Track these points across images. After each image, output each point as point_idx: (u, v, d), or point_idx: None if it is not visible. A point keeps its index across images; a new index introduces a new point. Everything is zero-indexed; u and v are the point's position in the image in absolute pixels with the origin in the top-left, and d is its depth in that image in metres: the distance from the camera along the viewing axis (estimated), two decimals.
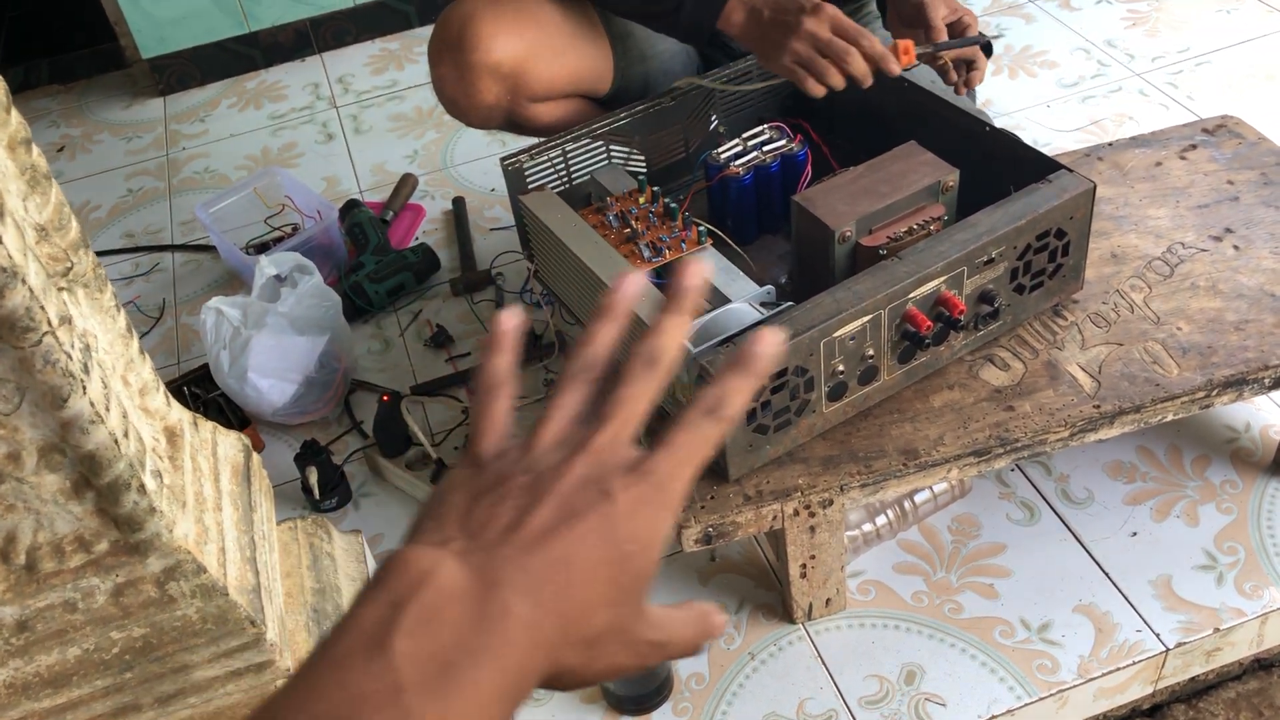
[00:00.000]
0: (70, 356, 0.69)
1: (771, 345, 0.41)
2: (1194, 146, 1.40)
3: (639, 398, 0.40)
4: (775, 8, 1.22)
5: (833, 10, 1.21)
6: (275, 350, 1.46)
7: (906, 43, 1.21)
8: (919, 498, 1.25)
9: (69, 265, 0.74)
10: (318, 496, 1.38)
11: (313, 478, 1.37)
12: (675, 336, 0.41)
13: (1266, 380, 1.12)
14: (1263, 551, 1.20)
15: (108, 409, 0.73)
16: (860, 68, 1.19)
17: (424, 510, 0.40)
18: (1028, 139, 1.75)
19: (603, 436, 0.39)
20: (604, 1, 1.38)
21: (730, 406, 0.40)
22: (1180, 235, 1.28)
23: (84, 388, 0.70)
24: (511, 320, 0.43)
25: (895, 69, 1.19)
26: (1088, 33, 2.10)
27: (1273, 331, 1.14)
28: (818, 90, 1.20)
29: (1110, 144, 1.43)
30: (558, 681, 0.38)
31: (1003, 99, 1.93)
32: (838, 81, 1.20)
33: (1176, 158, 1.39)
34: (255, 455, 0.99)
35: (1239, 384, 1.12)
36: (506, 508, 0.37)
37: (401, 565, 0.36)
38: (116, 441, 0.73)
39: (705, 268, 0.42)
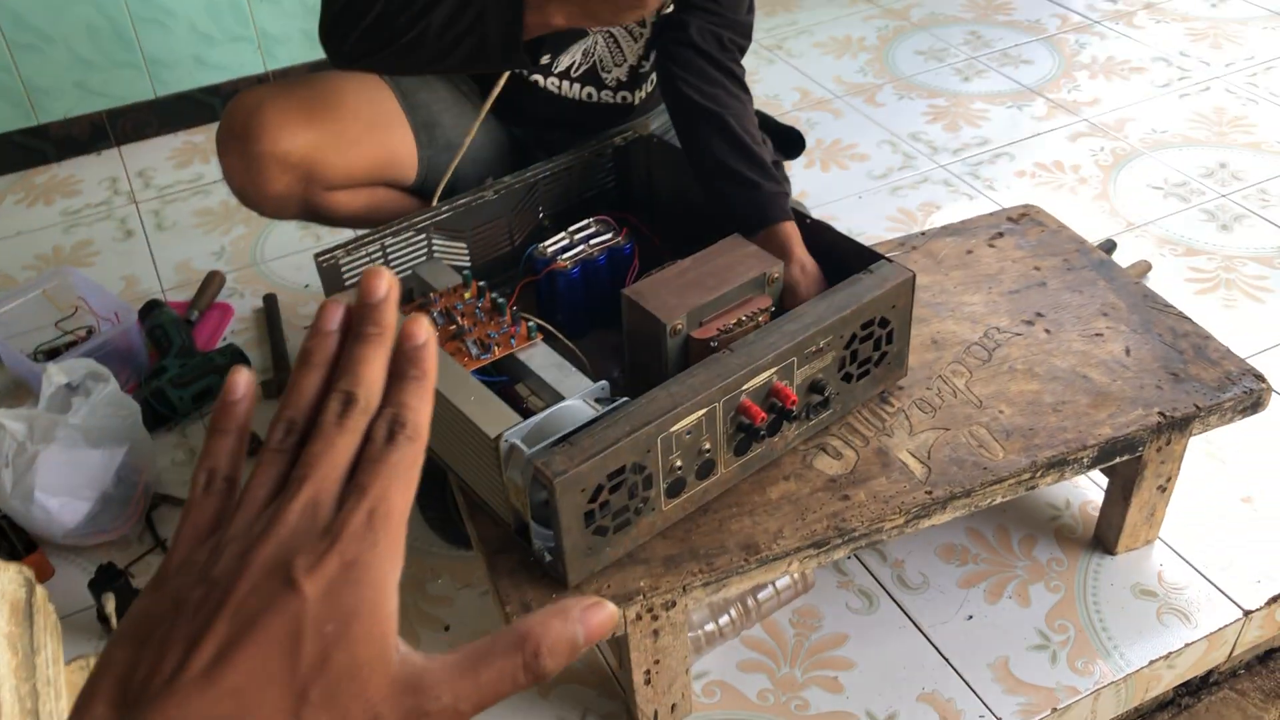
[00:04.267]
0: None
1: (424, 332, 0.37)
2: (1001, 235, 1.46)
3: (337, 450, 0.35)
4: None
5: None
6: (66, 466, 1.34)
7: None
8: (762, 595, 1.23)
9: None
10: (115, 627, 1.26)
11: (109, 605, 1.25)
12: (372, 370, 0.36)
13: (1085, 460, 1.16)
14: (1090, 628, 1.23)
15: None
16: None
17: (83, 687, 0.34)
18: (842, 229, 1.80)
19: (293, 506, 0.34)
20: (409, 65, 1.30)
21: (412, 419, 0.36)
22: (995, 320, 1.32)
23: None
24: (240, 386, 0.38)
25: None
26: (893, 126, 2.19)
27: (1087, 412, 1.19)
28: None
29: (923, 233, 1.47)
30: None
31: (817, 191, 1.99)
32: None
33: (986, 245, 1.44)
34: (39, 588, 0.89)
35: (1061, 464, 1.15)
36: (174, 646, 0.32)
37: None
38: None
39: (388, 280, 0.37)
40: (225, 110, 1.34)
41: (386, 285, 0.37)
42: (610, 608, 0.36)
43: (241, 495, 0.35)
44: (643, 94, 1.51)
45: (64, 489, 1.34)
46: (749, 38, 1.43)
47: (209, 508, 0.36)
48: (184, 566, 0.35)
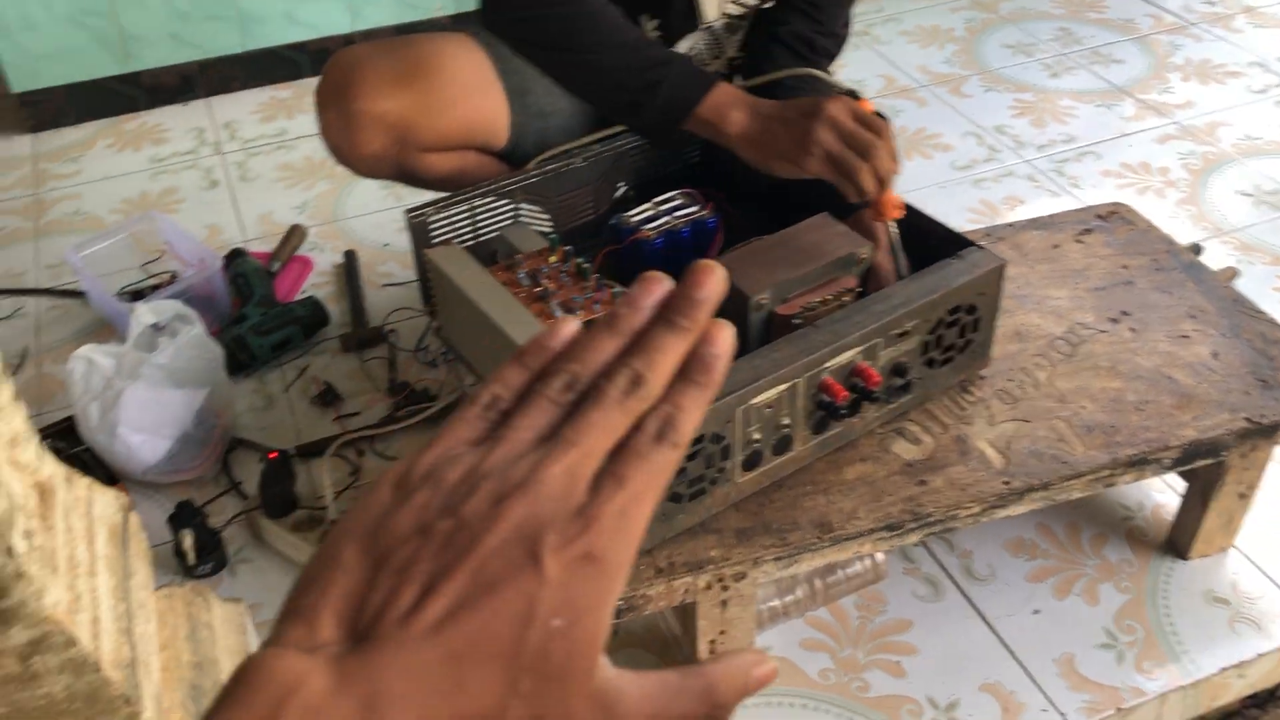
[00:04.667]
0: None
1: (726, 343, 0.35)
2: (1089, 231, 1.44)
3: (610, 428, 0.33)
4: (782, 105, 1.15)
5: (848, 99, 1.15)
6: (150, 404, 1.37)
7: (897, 198, 1.16)
8: (831, 579, 1.23)
9: None
10: (192, 562, 1.29)
11: (186, 541, 1.28)
12: (668, 361, 0.35)
13: (1166, 460, 1.15)
14: (1160, 630, 1.21)
15: None
16: (886, 165, 1.12)
17: (304, 580, 0.32)
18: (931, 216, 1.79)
19: (554, 469, 0.33)
20: (552, 68, 1.33)
21: (684, 426, 0.34)
22: (1080, 316, 1.31)
23: None
24: (565, 335, 0.36)
25: (895, 202, 1.15)
26: (978, 119, 2.17)
27: (1171, 413, 1.17)
28: (853, 193, 1.13)
29: (1010, 225, 1.46)
30: None
31: (899, 179, 1.97)
32: (870, 184, 1.12)
33: (1073, 240, 1.43)
34: (133, 516, 0.91)
35: (1141, 463, 1.14)
36: (412, 582, 0.31)
37: (258, 679, 0.30)
38: None
39: (720, 280, 0.36)
40: (326, 66, 1.36)
41: (716, 284, 0.36)
42: (773, 666, 0.37)
43: (507, 428, 0.34)
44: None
45: (147, 426, 1.37)
46: (840, 50, 1.44)
47: (477, 428, 0.35)
48: (431, 480, 0.33)
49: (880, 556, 1.24)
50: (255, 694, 0.29)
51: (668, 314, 0.35)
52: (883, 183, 1.14)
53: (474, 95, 1.40)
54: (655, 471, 0.33)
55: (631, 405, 0.34)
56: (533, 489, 0.32)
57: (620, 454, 0.34)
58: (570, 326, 0.36)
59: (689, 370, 0.35)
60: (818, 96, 1.17)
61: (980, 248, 1.16)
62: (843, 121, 1.13)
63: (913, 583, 1.27)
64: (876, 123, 1.14)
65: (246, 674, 0.30)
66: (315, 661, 0.30)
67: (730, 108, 1.20)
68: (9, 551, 0.68)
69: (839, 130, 1.13)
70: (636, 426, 0.34)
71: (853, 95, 1.19)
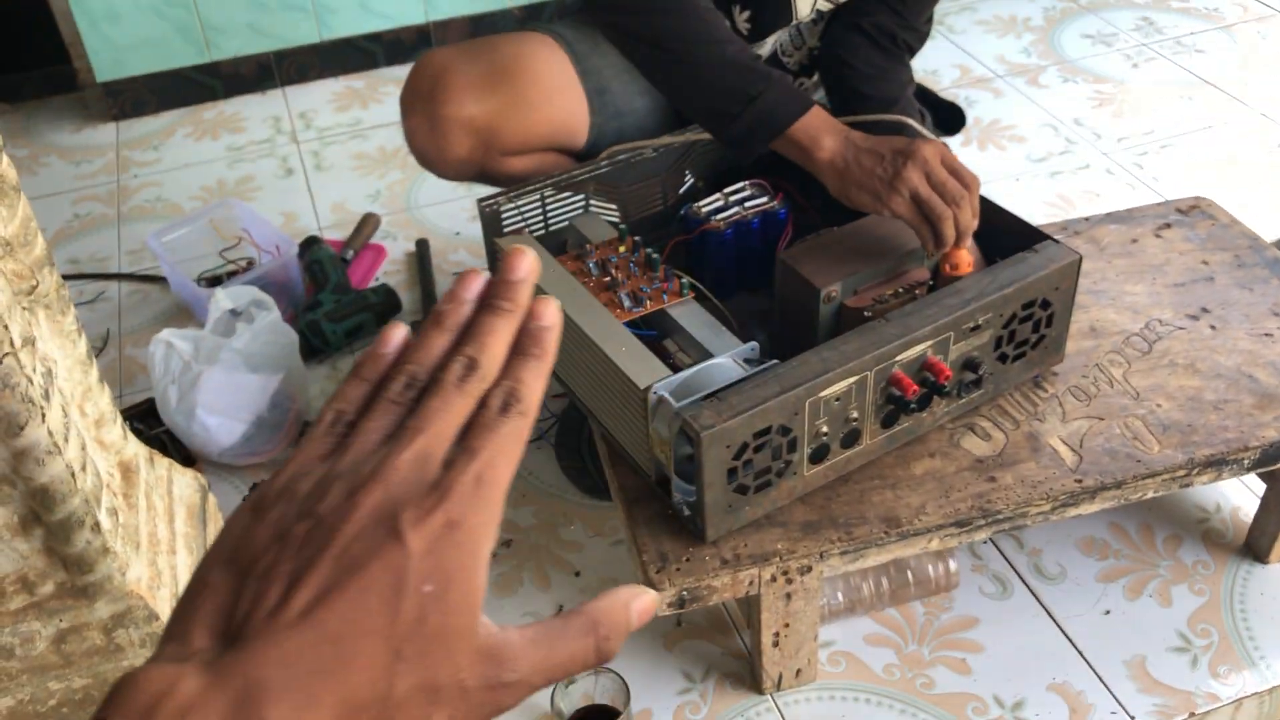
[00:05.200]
0: (31, 381, 0.64)
1: (552, 315, 0.38)
2: (1168, 225, 1.42)
3: (453, 411, 0.36)
4: (876, 139, 1.15)
5: (942, 145, 1.14)
6: (227, 387, 1.40)
7: (969, 255, 1.15)
8: (899, 583, 1.22)
9: (33, 284, 0.70)
10: None
11: None
12: (498, 342, 0.37)
13: (1246, 461, 1.12)
14: (1236, 635, 1.19)
15: (66, 440, 0.68)
16: (968, 219, 1.11)
17: (176, 609, 0.34)
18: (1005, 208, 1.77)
19: (404, 455, 0.34)
20: (673, 93, 1.33)
21: (527, 396, 0.37)
22: (1158, 312, 1.28)
23: (43, 415, 0.65)
24: (393, 341, 0.38)
25: (966, 256, 1.14)
26: (1055, 110, 2.13)
27: (1251, 413, 1.15)
28: (931, 241, 1.12)
29: (1087, 218, 1.44)
30: None
31: (973, 170, 1.94)
32: (951, 235, 1.11)
33: (1152, 235, 1.40)
34: (211, 497, 0.94)
35: (1219, 464, 1.11)
36: (276, 580, 0.32)
37: (129, 692, 0.30)
38: (74, 475, 0.68)
39: (530, 260, 0.39)
40: (411, 71, 1.37)
41: (528, 266, 0.38)
42: (653, 595, 0.39)
43: (353, 436, 0.36)
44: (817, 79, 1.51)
45: (223, 409, 1.40)
46: (921, 45, 1.43)
47: (326, 444, 0.36)
48: (285, 494, 0.35)
49: (953, 565, 1.23)
50: (127, 704, 0.30)
51: (489, 300, 0.38)
52: (961, 237, 1.12)
53: (557, 97, 1.41)
54: (505, 439, 0.35)
55: (470, 387, 0.36)
56: (385, 476, 0.34)
57: (469, 430, 0.36)
58: (399, 332, 0.39)
59: (521, 345, 0.37)
60: (911, 138, 1.16)
61: (1055, 241, 1.14)
62: (935, 168, 1.12)
63: (980, 580, 1.26)
64: (967, 174, 1.13)
65: (118, 688, 0.31)
66: (186, 667, 0.31)
67: (823, 132, 1.19)
68: (96, 528, 0.71)
69: (930, 175, 1.12)
70: (482, 405, 0.36)
71: (960, 120, 1.18)
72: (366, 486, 0.34)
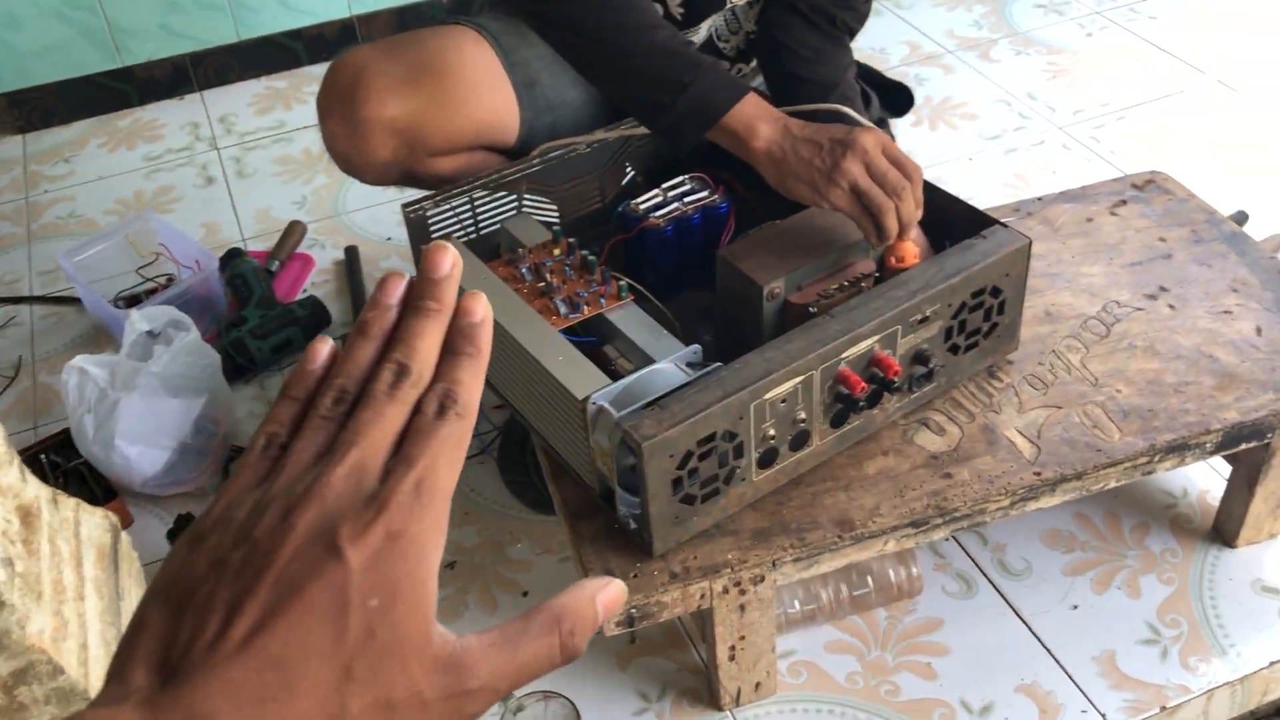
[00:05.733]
0: None
1: (481, 310, 0.38)
2: (1124, 202, 1.43)
3: (386, 420, 0.36)
4: (814, 127, 1.15)
5: (883, 134, 1.14)
6: (146, 414, 1.38)
7: (913, 247, 1.15)
8: (858, 592, 1.23)
9: None
10: None
11: None
12: (427, 344, 0.37)
13: (1209, 445, 1.13)
14: (1205, 623, 1.20)
15: None
16: (910, 211, 1.12)
17: (116, 652, 0.34)
18: (951, 192, 1.78)
19: (338, 471, 0.35)
20: (602, 83, 1.33)
21: (464, 397, 0.37)
22: (1115, 293, 1.29)
23: None
24: (320, 356, 0.39)
25: (910, 249, 1.14)
26: (1008, 85, 2.15)
27: (1212, 394, 1.16)
28: (873, 234, 1.12)
29: (1039, 199, 1.45)
30: None
31: (924, 151, 1.96)
32: (893, 228, 1.11)
33: (1107, 213, 1.41)
34: (124, 535, 0.92)
35: (1181, 449, 1.13)
36: (215, 611, 0.33)
37: None
38: None
39: (452, 257, 0.39)
40: (328, 72, 1.36)
41: (450, 262, 0.38)
42: (620, 585, 0.39)
43: (286, 457, 0.36)
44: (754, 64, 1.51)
45: (144, 437, 1.38)
46: (860, 26, 1.43)
47: (260, 470, 0.36)
48: (221, 524, 0.35)
49: (916, 570, 1.23)
50: None
51: (414, 302, 0.38)
52: (904, 229, 1.13)
53: (484, 93, 1.39)
54: (444, 443, 0.36)
55: (402, 394, 0.37)
56: (319, 494, 0.34)
57: (405, 438, 0.36)
58: (325, 347, 0.39)
59: (452, 345, 0.38)
60: (851, 126, 1.16)
61: (1003, 225, 1.15)
62: (875, 158, 1.12)
63: (943, 579, 1.27)
64: (909, 163, 1.13)
65: None
66: (123, 708, 0.31)
67: (759, 120, 1.18)
68: None
69: (870, 165, 1.12)
70: (418, 411, 0.36)
71: (883, 126, 1.19)
72: (301, 505, 0.34)
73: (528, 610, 0.37)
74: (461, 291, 0.38)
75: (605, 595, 0.39)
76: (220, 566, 0.34)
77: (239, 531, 0.34)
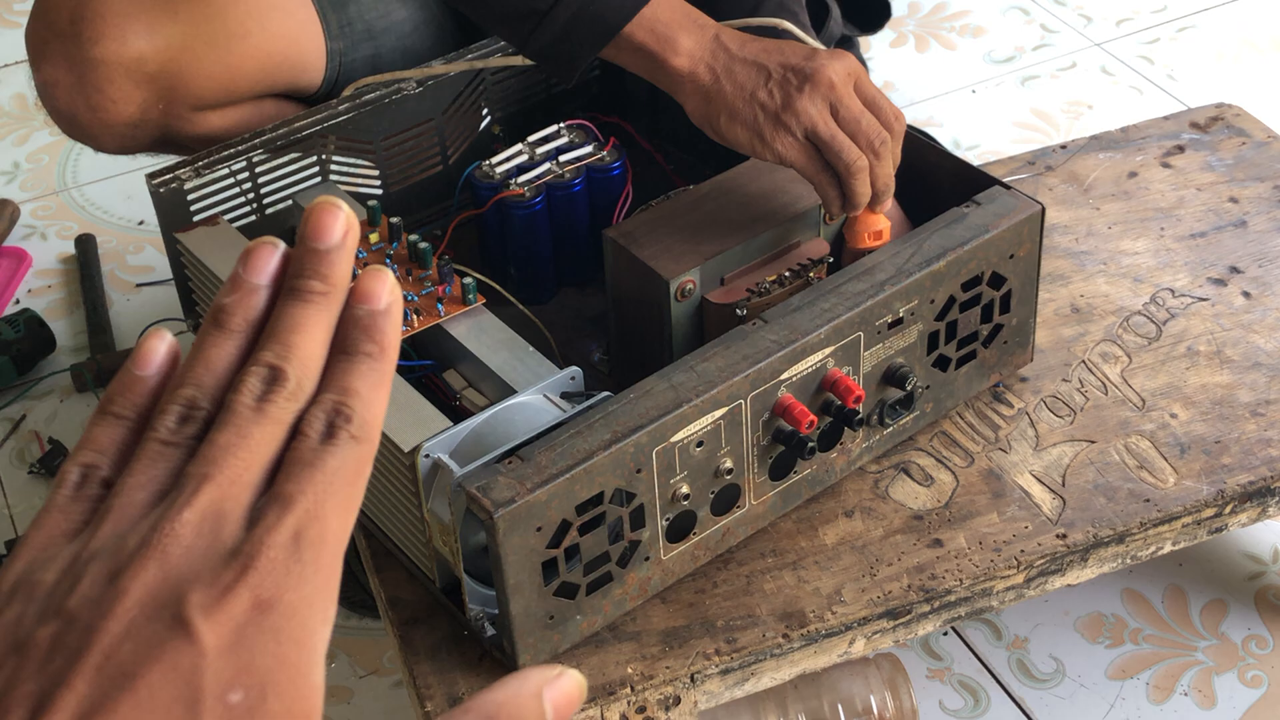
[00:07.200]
0: None
1: (386, 293, 0.39)
2: (1181, 149, 1.47)
3: (254, 445, 0.37)
4: (761, 43, 1.15)
5: (855, 62, 1.15)
6: None
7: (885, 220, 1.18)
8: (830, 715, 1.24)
9: None
10: None
11: None
12: (310, 340, 0.38)
13: None
14: None
15: None
16: (888, 173, 1.13)
17: None
18: (945, 139, 1.81)
19: (185, 515, 0.35)
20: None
21: (361, 412, 0.38)
22: (1168, 278, 1.33)
23: None
24: (154, 358, 0.39)
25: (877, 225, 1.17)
26: None
27: None
28: (836, 202, 1.14)
29: (1063, 146, 1.48)
30: None
31: (908, 81, 2.00)
32: (865, 195, 1.12)
33: (1158, 165, 1.45)
34: None
35: (1264, 495, 1.16)
36: (13, 709, 0.33)
37: None
38: None
39: (345, 218, 0.39)
40: None
41: (343, 226, 0.39)
42: (576, 676, 0.39)
43: (111, 498, 0.36)
44: None
45: None
46: None
47: (74, 515, 0.37)
48: (21, 590, 0.35)
49: (910, 700, 1.25)
50: None
51: (291, 282, 0.39)
52: (878, 197, 1.14)
53: (273, 17, 1.39)
54: (333, 476, 0.36)
55: (275, 410, 0.37)
56: (159, 548, 0.34)
57: (279, 470, 0.36)
58: (163, 344, 0.39)
59: (345, 342, 0.39)
60: (814, 47, 1.16)
61: (1007, 188, 1.17)
62: (844, 95, 1.12)
63: (941, 690, 1.29)
64: (890, 107, 1.14)
65: None
66: None
67: (679, 29, 1.16)
68: None
69: (837, 106, 1.12)
70: (297, 433, 0.37)
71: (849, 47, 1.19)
72: (135, 564, 0.34)
73: (449, 712, 0.38)
74: (357, 270, 0.39)
75: (555, 691, 0.39)
76: (22, 649, 0.34)
77: (47, 601, 0.34)
